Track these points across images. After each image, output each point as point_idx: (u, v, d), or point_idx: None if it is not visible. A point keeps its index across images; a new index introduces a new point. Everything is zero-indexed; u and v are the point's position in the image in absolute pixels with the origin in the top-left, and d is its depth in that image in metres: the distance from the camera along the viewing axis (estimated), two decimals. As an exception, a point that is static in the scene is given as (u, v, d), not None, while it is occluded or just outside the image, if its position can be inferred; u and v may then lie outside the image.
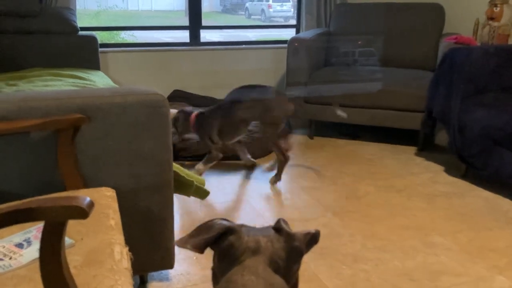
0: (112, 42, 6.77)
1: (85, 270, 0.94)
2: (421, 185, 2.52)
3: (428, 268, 1.75)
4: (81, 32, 3.10)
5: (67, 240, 1.03)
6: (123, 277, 0.94)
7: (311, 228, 1.39)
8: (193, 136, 2.72)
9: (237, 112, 2.42)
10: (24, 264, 0.95)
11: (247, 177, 2.61)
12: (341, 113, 2.57)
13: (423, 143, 3.10)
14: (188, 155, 2.79)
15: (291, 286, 0.86)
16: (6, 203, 1.15)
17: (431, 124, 2.92)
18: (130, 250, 1.12)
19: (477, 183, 2.55)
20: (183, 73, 3.74)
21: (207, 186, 1.82)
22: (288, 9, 13.31)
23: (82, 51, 3.05)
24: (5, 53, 2.86)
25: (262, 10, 13.63)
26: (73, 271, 0.87)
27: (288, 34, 3.78)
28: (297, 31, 4.05)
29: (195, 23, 3.80)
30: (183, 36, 3.95)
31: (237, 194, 2.40)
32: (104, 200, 1.23)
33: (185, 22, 3.83)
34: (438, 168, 2.77)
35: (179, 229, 2.00)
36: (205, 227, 0.88)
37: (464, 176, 2.63)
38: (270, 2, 13.37)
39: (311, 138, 3.32)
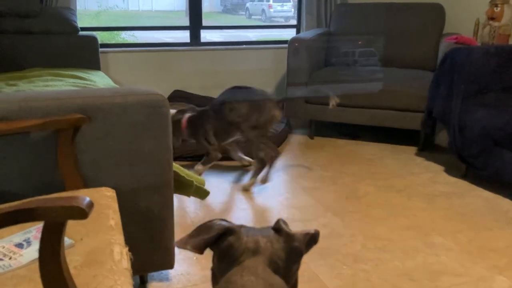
0: (113, 42, 6.77)
1: (85, 270, 0.94)
2: (421, 185, 2.52)
3: (428, 268, 1.75)
4: (81, 32, 3.10)
5: (67, 240, 1.03)
6: (123, 277, 0.94)
7: (311, 228, 1.39)
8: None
9: (226, 113, 2.40)
10: (24, 264, 0.96)
11: (247, 177, 2.61)
12: (333, 102, 2.45)
13: (423, 143, 3.10)
14: (188, 155, 2.79)
15: (291, 286, 0.86)
16: (6, 203, 1.15)
17: (431, 124, 2.92)
18: (130, 250, 1.12)
19: (477, 183, 2.55)
20: (184, 73, 3.74)
21: (207, 186, 1.82)
22: (288, 9, 13.30)
23: (83, 51, 3.05)
24: (5, 53, 2.86)
25: (263, 10, 13.62)
26: (72, 271, 0.87)
27: (289, 34, 3.78)
28: (298, 31, 4.05)
29: (195, 23, 3.80)
30: (184, 36, 3.95)
31: (236, 194, 2.40)
32: (104, 200, 1.23)
33: (186, 22, 3.83)
34: (438, 168, 2.77)
35: (179, 229, 2.00)
36: (204, 227, 0.88)
37: (464, 176, 2.63)
38: (271, 2, 13.37)
39: (311, 138, 3.32)
